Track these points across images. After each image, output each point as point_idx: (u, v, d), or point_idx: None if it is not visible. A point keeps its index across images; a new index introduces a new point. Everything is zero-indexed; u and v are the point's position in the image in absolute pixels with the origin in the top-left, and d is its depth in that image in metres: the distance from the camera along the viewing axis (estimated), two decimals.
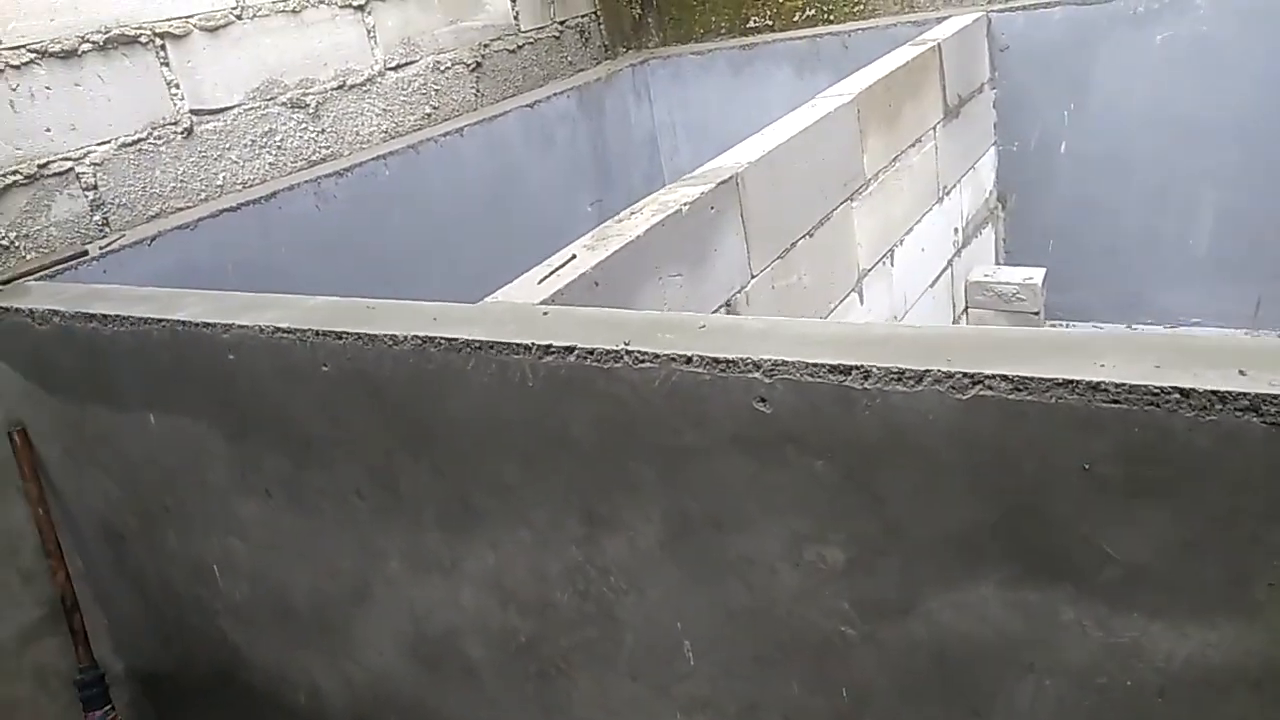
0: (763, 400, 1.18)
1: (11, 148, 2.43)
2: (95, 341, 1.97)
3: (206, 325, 1.73)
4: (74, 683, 2.35)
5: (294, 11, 3.04)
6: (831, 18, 4.05)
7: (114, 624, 2.47)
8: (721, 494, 1.27)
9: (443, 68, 3.56)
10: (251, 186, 2.95)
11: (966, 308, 3.61)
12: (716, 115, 4.23)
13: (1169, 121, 3.43)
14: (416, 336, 1.46)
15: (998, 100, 3.71)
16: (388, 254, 3.14)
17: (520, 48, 3.91)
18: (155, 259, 2.56)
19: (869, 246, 2.72)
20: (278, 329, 1.63)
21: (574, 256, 1.70)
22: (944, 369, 1.04)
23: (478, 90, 3.71)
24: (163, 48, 2.72)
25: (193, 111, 2.79)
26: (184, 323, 1.77)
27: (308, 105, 3.10)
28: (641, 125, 4.33)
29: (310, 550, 1.84)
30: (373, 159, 3.14)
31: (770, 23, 4.18)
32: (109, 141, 2.61)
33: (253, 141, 2.95)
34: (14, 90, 2.42)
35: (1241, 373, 0.91)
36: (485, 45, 3.75)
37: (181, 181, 2.78)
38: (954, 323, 3.50)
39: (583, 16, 4.25)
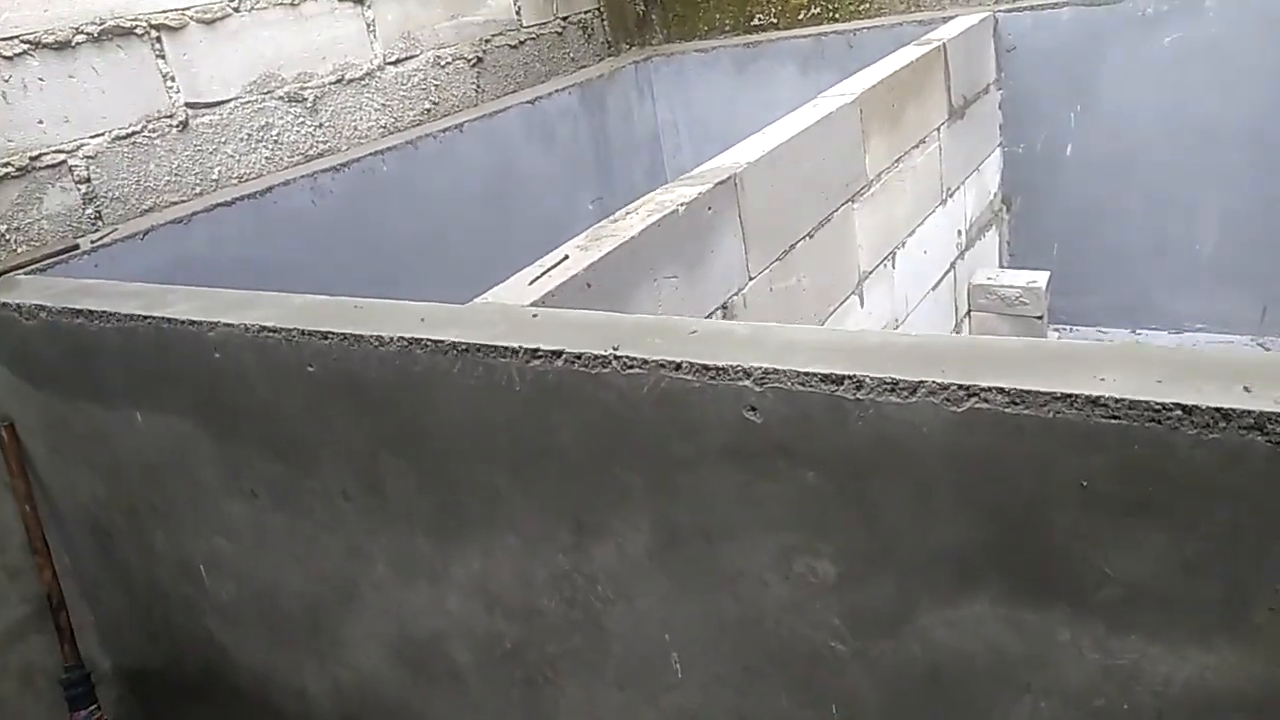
0: (753, 409, 1.14)
1: (3, 140, 2.40)
2: (82, 337, 1.94)
3: (192, 323, 1.71)
4: (60, 681, 2.32)
5: (292, 4, 3.01)
6: (836, 16, 4.01)
7: (101, 621, 2.45)
8: (711, 504, 1.24)
9: (443, 63, 3.53)
10: (247, 181, 2.92)
11: (969, 311, 3.57)
12: (720, 114, 4.19)
13: (1177, 125, 3.39)
14: (402, 338, 1.43)
15: (1004, 101, 3.67)
16: (385, 251, 3.11)
17: (522, 43, 3.88)
18: (148, 254, 2.53)
19: (870, 248, 2.69)
20: (263, 328, 1.60)
21: (566, 257, 1.66)
22: (938, 380, 1.01)
23: (478, 86, 3.68)
24: (158, 40, 2.69)
25: (188, 105, 2.76)
26: (169, 320, 1.75)
27: (305, 99, 3.07)
28: (644, 123, 4.30)
29: (297, 551, 1.81)
30: (370, 154, 3.11)
31: (775, 21, 4.14)
32: (103, 134, 2.58)
33: (249, 135, 2.92)
34: (6, 82, 2.40)
35: (1246, 389, 0.88)
36: (486, 40, 3.71)
37: (176, 175, 2.75)
38: (956, 326, 3.46)
39: (586, 12, 4.21)
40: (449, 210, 3.34)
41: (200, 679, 2.27)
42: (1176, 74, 3.33)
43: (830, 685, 1.23)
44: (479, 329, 1.40)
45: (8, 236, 2.42)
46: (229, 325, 1.65)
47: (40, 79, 2.46)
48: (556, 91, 3.80)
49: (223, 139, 2.86)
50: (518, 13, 3.85)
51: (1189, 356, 0.96)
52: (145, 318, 1.79)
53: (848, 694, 1.23)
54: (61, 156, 2.51)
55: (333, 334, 1.51)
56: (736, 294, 2.09)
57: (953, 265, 3.37)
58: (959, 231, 3.40)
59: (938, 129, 3.11)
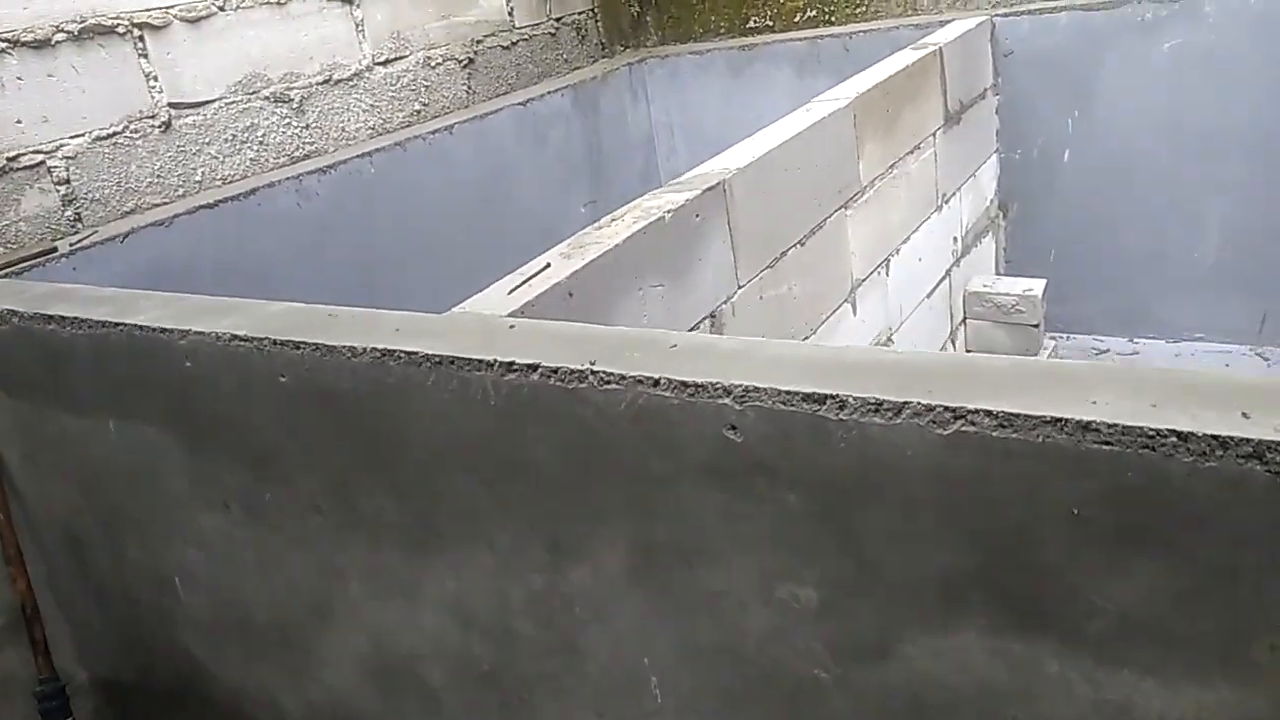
0: (733, 428, 1.10)
1: None
2: (53, 344, 1.89)
3: (163, 331, 1.66)
4: (34, 694, 2.27)
5: (279, 4, 2.97)
6: (832, 19, 3.97)
7: (77, 632, 2.40)
8: (690, 525, 1.19)
9: (433, 63, 3.49)
10: (232, 183, 2.87)
11: (965, 319, 3.53)
12: (715, 116, 4.15)
13: (1176, 132, 3.35)
14: (375, 349, 1.39)
15: (1001, 107, 3.63)
16: (371, 255, 3.07)
17: (514, 44, 3.84)
18: (127, 257, 2.49)
19: (864, 256, 2.65)
20: (235, 337, 1.55)
21: (548, 265, 1.62)
22: (924, 401, 0.97)
23: (469, 87, 3.64)
24: (141, 39, 2.64)
25: (171, 105, 2.72)
26: (141, 327, 1.70)
27: (292, 100, 3.03)
28: (638, 125, 4.26)
29: (270, 565, 1.77)
30: (357, 156, 3.07)
31: (770, 23, 4.10)
32: (83, 135, 2.54)
33: (234, 136, 2.88)
34: None
35: (1245, 415, 0.84)
36: (478, 41, 3.67)
37: (158, 177, 2.70)
38: (951, 334, 3.42)
39: (580, 13, 4.17)
40: (438, 213, 3.30)
41: (176, 692, 2.22)
42: (1175, 80, 3.29)
43: (813, 714, 1.19)
44: (454, 340, 1.36)
45: None
46: (200, 334, 1.61)
47: (19, 78, 2.41)
48: (549, 93, 3.76)
49: (206, 140, 2.81)
50: (510, 13, 3.81)
51: (1185, 379, 0.92)
52: (116, 325, 1.75)
53: None
54: (40, 157, 2.46)
55: (305, 344, 1.47)
56: (725, 303, 2.05)
57: (948, 273, 3.33)
58: (954, 238, 3.36)
59: (933, 134, 3.07)
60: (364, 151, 3.10)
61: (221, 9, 2.82)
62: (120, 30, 2.59)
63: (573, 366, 1.21)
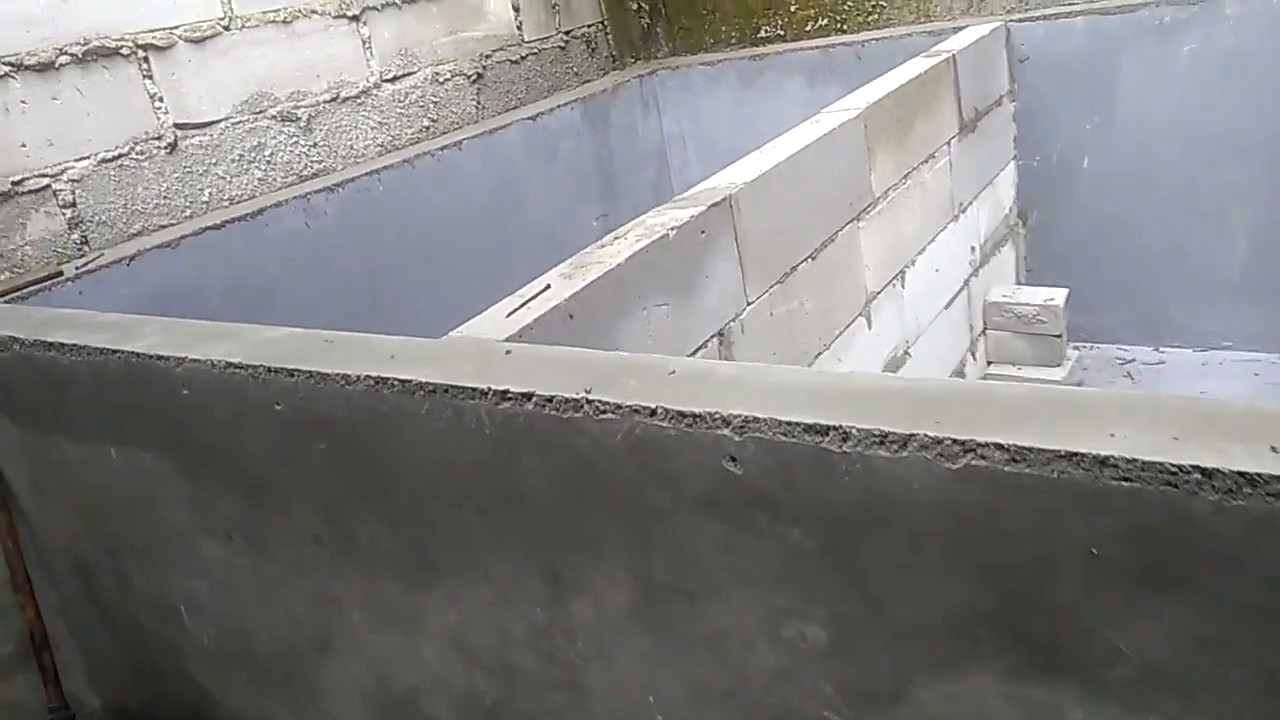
0: (732, 459, 1.05)
1: None
2: (54, 371, 1.87)
3: (159, 358, 1.63)
4: None
5: (285, 22, 2.95)
6: (845, 28, 3.92)
7: (88, 660, 2.38)
8: (691, 560, 1.14)
9: (441, 79, 3.47)
10: (239, 203, 2.86)
11: (984, 329, 3.46)
12: (727, 127, 4.11)
13: (1198, 136, 3.28)
14: (369, 377, 1.35)
15: (1017, 113, 3.57)
16: (381, 273, 3.05)
17: (523, 58, 3.81)
18: (134, 279, 2.48)
19: (878, 268, 2.59)
20: (230, 364, 1.52)
21: (548, 286, 1.58)
22: (931, 433, 0.92)
23: (478, 102, 3.62)
24: (145, 60, 2.63)
25: (177, 125, 2.71)
26: (138, 354, 1.68)
27: (299, 118, 3.01)
28: (649, 138, 4.22)
29: (271, 595, 1.73)
30: (365, 174, 3.04)
31: (782, 33, 4.06)
32: (88, 157, 2.53)
33: (240, 156, 2.86)
34: None
35: (1274, 449, 0.78)
36: (487, 56, 3.65)
37: (165, 198, 2.69)
38: (971, 345, 3.35)
39: (589, 26, 4.14)
40: (447, 230, 3.27)
41: None
42: (1196, 83, 3.22)
43: None
44: (449, 367, 1.32)
45: None
46: (195, 361, 1.58)
47: (23, 101, 2.40)
48: (559, 107, 3.73)
49: (213, 160, 2.80)
50: (519, 28, 3.78)
51: (1209, 409, 0.87)
52: (114, 351, 1.72)
53: None
54: (45, 180, 2.45)
55: (299, 371, 1.44)
56: (733, 320, 2.00)
57: (966, 283, 3.27)
58: (972, 248, 3.30)
59: (948, 143, 3.01)
60: (372, 169, 3.07)
61: (227, 29, 2.80)
62: (124, 52, 2.58)
63: (568, 395, 1.17)
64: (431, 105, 3.43)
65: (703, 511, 1.10)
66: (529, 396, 1.20)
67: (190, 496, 1.77)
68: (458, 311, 1.81)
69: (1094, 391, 0.94)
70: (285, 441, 1.52)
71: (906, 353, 2.82)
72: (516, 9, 3.77)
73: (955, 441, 0.90)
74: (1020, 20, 3.47)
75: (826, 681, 1.09)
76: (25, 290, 2.31)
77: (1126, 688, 0.88)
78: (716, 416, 1.05)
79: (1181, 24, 3.18)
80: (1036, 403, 0.94)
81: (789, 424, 1.00)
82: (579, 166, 3.83)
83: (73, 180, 2.50)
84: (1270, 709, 0.82)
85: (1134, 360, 3.58)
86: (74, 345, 1.80)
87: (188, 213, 2.74)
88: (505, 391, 1.22)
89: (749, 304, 2.05)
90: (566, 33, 4.03)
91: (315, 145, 3.06)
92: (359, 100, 3.18)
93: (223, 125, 2.82)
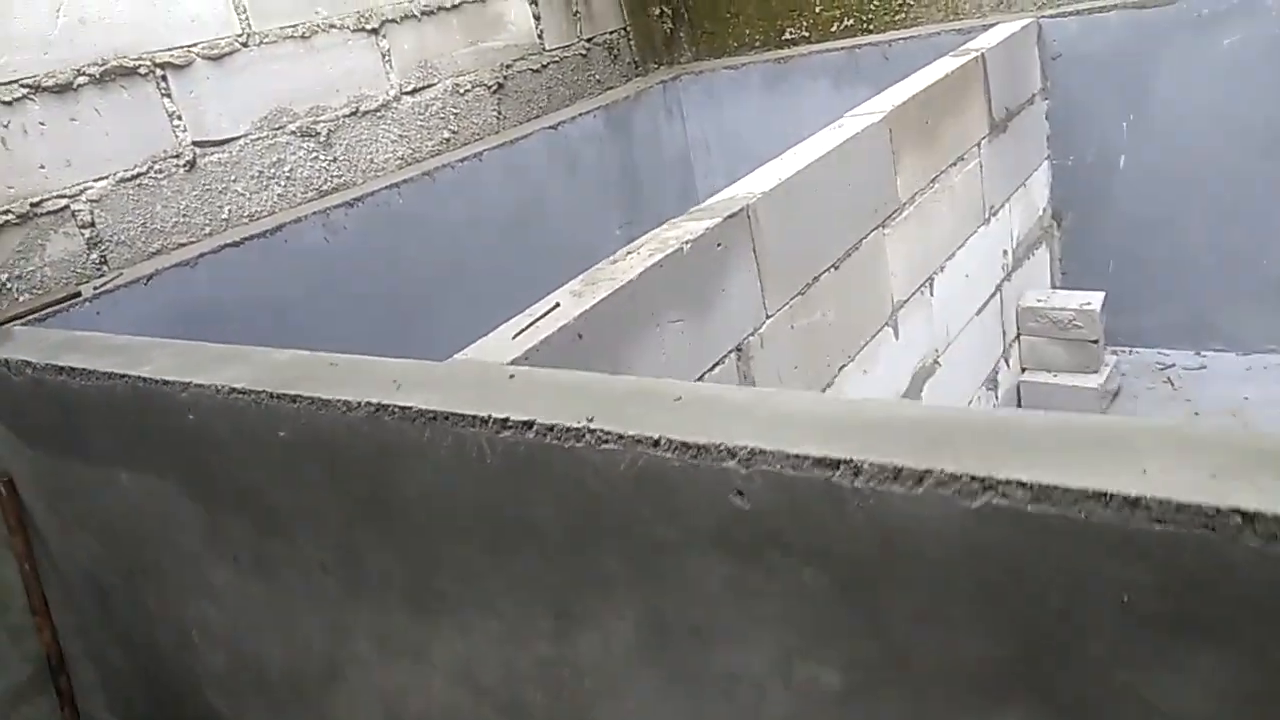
0: (740, 494, 1.00)
1: (3, 186, 2.36)
2: (66, 395, 1.86)
3: (165, 383, 1.61)
4: None
5: (304, 38, 2.94)
6: (871, 27, 3.84)
7: (105, 681, 2.37)
8: (701, 598, 1.09)
9: (462, 90, 3.44)
10: (259, 219, 2.85)
11: (1018, 335, 3.37)
12: (752, 132, 4.04)
13: (1239, 132, 3.16)
14: (370, 403, 1.31)
15: (1050, 112, 3.47)
16: (402, 287, 3.02)
17: (545, 67, 3.78)
18: (151, 299, 2.47)
19: (904, 276, 2.52)
20: (233, 389, 1.49)
21: (557, 305, 1.54)
22: (949, 469, 0.85)
23: (499, 112, 3.59)
24: (164, 78, 2.63)
25: (196, 143, 2.70)
26: (145, 379, 1.65)
27: (319, 133, 2.99)
28: (673, 144, 4.17)
29: (281, 623, 1.70)
30: (385, 188, 3.02)
31: (807, 34, 3.99)
32: (107, 177, 2.53)
33: (260, 173, 2.85)
34: (5, 127, 2.35)
35: None
36: (507, 66, 3.62)
37: (184, 216, 2.68)
38: (1004, 352, 3.26)
39: (611, 33, 4.10)
40: (469, 242, 3.24)
41: None
42: (1237, 77, 3.10)
43: None
44: (450, 393, 1.28)
45: (9, 285, 2.37)
46: (200, 386, 1.55)
47: (41, 123, 2.41)
48: (581, 115, 3.69)
49: (233, 177, 2.79)
50: (540, 36, 3.75)
51: (1252, 442, 0.80)
52: (122, 376, 1.70)
53: None
54: (64, 201, 2.45)
55: (301, 397, 1.40)
56: (752, 334, 1.94)
57: (999, 288, 3.18)
58: (1005, 251, 3.21)
59: (978, 144, 2.93)
60: (392, 183, 3.05)
61: (245, 45, 2.80)
62: (142, 71, 2.58)
63: (569, 424, 1.12)
64: (452, 117, 3.41)
65: (711, 547, 1.05)
66: (530, 425, 1.16)
67: (200, 521, 1.74)
68: (481, 324, 1.76)
69: (1125, 421, 0.87)
70: (290, 468, 1.49)
71: (936, 362, 2.74)
72: (537, 18, 3.73)
73: (974, 478, 0.84)
74: (1052, 16, 3.38)
75: None
76: (44, 312, 2.31)
77: None
78: (722, 448, 1.00)
79: (1220, 16, 3.07)
80: (1062, 434, 0.87)
81: (797, 457, 0.94)
82: (602, 175, 3.78)
83: (91, 200, 2.50)
84: None
85: (1174, 365, 3.47)
86: (84, 370, 1.79)
87: (207, 230, 2.73)
88: (506, 420, 1.18)
89: (768, 317, 1.99)
90: (588, 40, 3.99)
91: (335, 160, 3.04)
92: (379, 114, 3.16)
93: (242, 142, 2.81)
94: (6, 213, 2.36)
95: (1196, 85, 3.18)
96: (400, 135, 3.24)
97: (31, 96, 2.38)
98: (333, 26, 3.01)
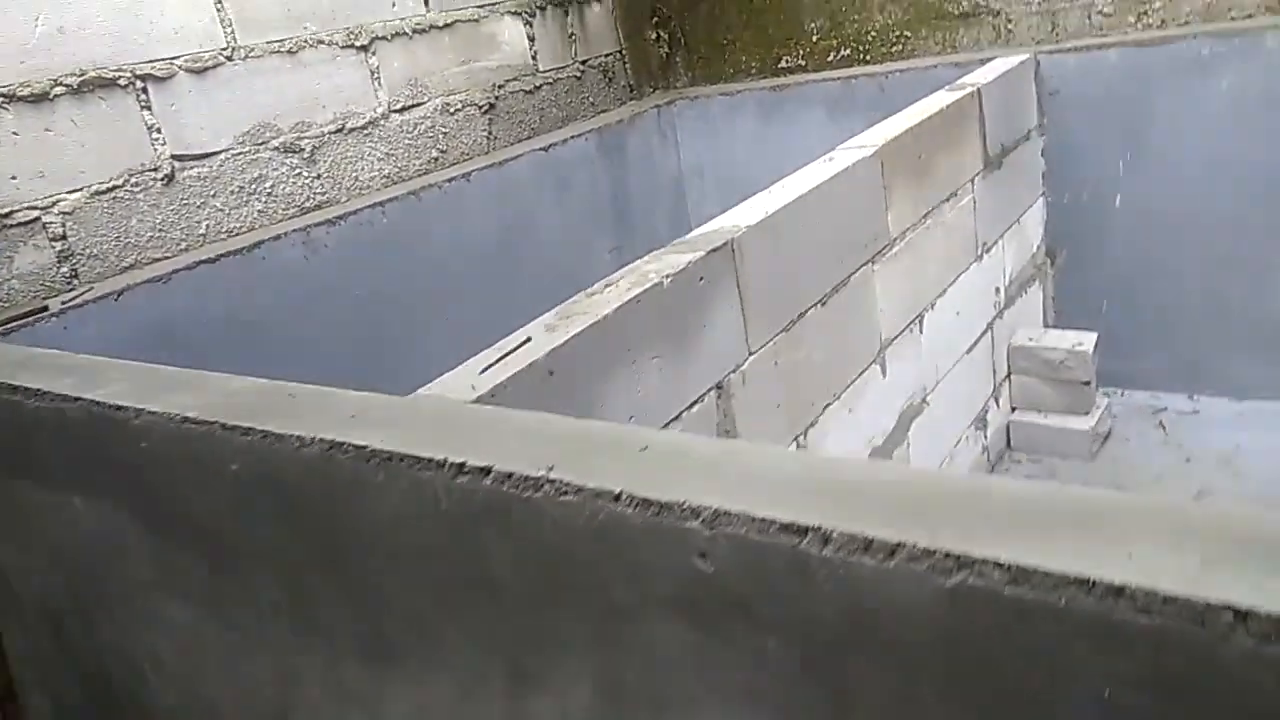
0: (703, 556, 0.94)
1: None
2: (19, 415, 1.79)
3: (118, 408, 1.54)
4: None
5: (290, 53, 2.89)
6: (868, 58, 3.81)
7: (58, 712, 2.29)
8: (662, 664, 1.02)
9: (452, 109, 3.39)
10: (238, 235, 2.79)
11: (1009, 374, 3.32)
12: (746, 159, 4.01)
13: (1238, 175, 3.13)
14: (324, 440, 1.25)
15: (1046, 148, 3.43)
16: (383, 309, 2.96)
17: (538, 88, 3.74)
18: (121, 315, 2.40)
19: (894, 313, 2.47)
20: (185, 418, 1.43)
21: (529, 339, 1.48)
22: (922, 544, 0.79)
23: (490, 133, 3.54)
24: (144, 90, 2.58)
25: (174, 157, 2.65)
26: (98, 403, 1.59)
27: (303, 149, 2.94)
28: (666, 169, 4.13)
29: (231, 662, 1.63)
30: (369, 206, 2.97)
31: (803, 63, 3.96)
32: (81, 189, 2.47)
33: (240, 188, 2.80)
34: None
35: None
36: (500, 86, 3.58)
37: (160, 231, 2.62)
38: (994, 391, 3.21)
39: (606, 56, 4.07)
40: (454, 264, 3.18)
41: None
42: (1236, 121, 3.07)
43: None
44: (408, 432, 1.22)
45: None
46: (153, 414, 1.48)
47: (14, 133, 2.35)
48: (573, 137, 3.65)
49: (211, 192, 2.73)
50: (534, 57, 3.71)
51: (1249, 526, 0.74)
52: (76, 399, 1.64)
53: None
54: (35, 213, 2.39)
55: (253, 430, 1.34)
56: (734, 371, 1.88)
57: (990, 326, 3.13)
58: (997, 289, 3.16)
59: (972, 180, 2.89)
60: (376, 201, 3.00)
61: (229, 59, 2.75)
62: (122, 82, 2.53)
63: (528, 473, 1.06)
64: (441, 136, 3.36)
65: (673, 612, 0.99)
66: (487, 471, 1.09)
67: (152, 552, 1.68)
68: (463, 350, 1.71)
69: (1111, 497, 0.81)
70: (242, 504, 1.42)
71: (924, 401, 2.68)
72: (532, 39, 3.70)
73: (948, 555, 0.78)
74: (1050, 52, 3.35)
75: None
76: (8, 326, 2.25)
77: None
78: (685, 507, 0.94)
79: (1221, 57, 3.04)
80: (1046, 506, 0.82)
81: (764, 521, 0.88)
82: (593, 199, 3.74)
83: (64, 213, 2.44)
84: None
85: (1166, 409, 3.42)
86: (37, 390, 1.72)
87: (184, 246, 2.67)
88: (462, 464, 1.12)
89: (751, 354, 1.93)
90: (583, 62, 3.95)
91: (319, 177, 2.99)
92: (365, 131, 3.12)
93: (222, 157, 2.75)
94: None
95: (1195, 126, 3.15)
96: (387, 153, 3.19)
97: (5, 105, 2.33)
98: (321, 42, 2.96)
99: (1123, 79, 3.23)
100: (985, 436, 3.17)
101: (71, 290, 2.45)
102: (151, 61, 2.59)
